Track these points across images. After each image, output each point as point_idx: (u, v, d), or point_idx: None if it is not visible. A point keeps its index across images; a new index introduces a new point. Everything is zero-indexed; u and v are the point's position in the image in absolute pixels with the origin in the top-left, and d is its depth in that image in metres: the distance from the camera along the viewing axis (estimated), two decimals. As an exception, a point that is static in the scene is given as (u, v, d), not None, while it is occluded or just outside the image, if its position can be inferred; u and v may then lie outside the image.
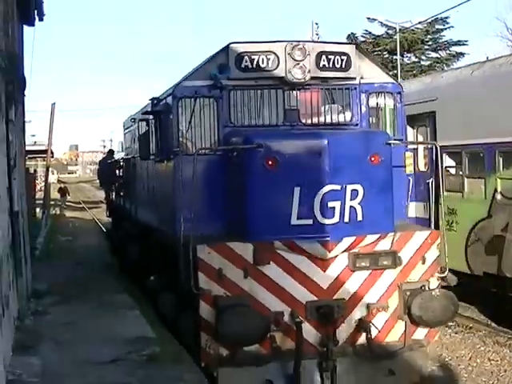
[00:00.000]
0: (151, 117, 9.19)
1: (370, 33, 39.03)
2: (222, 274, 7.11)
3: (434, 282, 7.67)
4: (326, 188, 7.03)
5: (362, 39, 38.60)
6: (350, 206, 7.15)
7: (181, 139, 7.87)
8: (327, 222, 7.08)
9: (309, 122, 8.17)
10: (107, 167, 16.31)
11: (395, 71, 33.57)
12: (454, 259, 9.43)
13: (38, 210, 27.82)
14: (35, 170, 37.97)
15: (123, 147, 15.77)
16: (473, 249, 10.83)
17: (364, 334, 7.39)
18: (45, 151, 29.03)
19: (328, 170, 7.01)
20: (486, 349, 9.67)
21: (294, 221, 7.07)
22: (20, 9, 11.52)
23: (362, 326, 7.41)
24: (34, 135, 52.25)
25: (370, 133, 7.93)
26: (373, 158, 7.26)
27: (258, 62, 7.75)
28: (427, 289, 7.50)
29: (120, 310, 10.27)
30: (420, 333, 7.70)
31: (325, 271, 7.34)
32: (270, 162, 7.08)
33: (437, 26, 37.70)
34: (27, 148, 22.37)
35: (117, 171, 15.13)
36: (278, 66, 7.80)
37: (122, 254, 14.23)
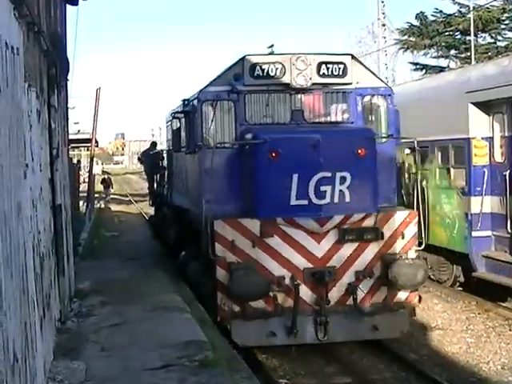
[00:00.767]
0: (182, 115, 12.79)
1: (440, 11, 38.33)
2: (234, 244, 10.48)
3: (411, 254, 10.86)
4: (319, 175, 10.29)
5: (432, 18, 38.23)
6: (339, 190, 10.38)
7: (204, 135, 11.35)
8: (320, 202, 10.35)
9: (312, 120, 11.49)
10: (150, 158, 20.08)
11: (468, 53, 35.18)
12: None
13: (81, 203, 30.21)
14: (79, 161, 39.40)
15: (166, 139, 19.47)
16: None
17: (352, 296, 10.61)
18: (89, 140, 31.78)
19: (321, 160, 10.26)
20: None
21: (293, 201, 10.36)
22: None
23: (351, 289, 10.67)
24: (77, 123, 55.46)
25: (357, 130, 11.21)
26: (359, 151, 10.46)
27: (267, 71, 11.13)
28: (403, 258, 10.65)
29: (170, 311, 11.09)
30: (401, 296, 10.90)
31: (319, 243, 10.66)
32: (274, 154, 10.39)
33: (515, 3, 37.82)
34: (70, 137, 24.07)
35: (160, 162, 18.77)
36: (284, 74, 11.15)
37: (162, 236, 17.80)
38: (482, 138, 14.19)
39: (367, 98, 11.63)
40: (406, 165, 16.79)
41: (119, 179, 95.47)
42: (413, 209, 11.55)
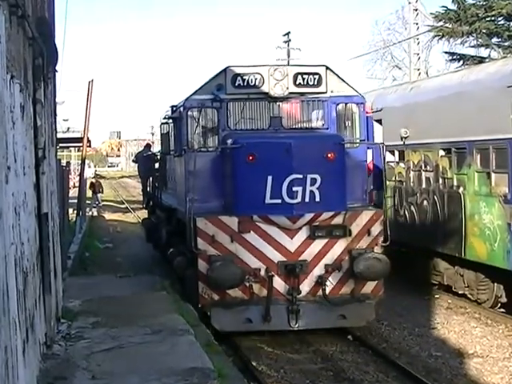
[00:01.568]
0: (171, 120, 16.99)
1: (481, -7, 39.47)
2: (215, 239, 14.49)
3: (377, 250, 14.81)
4: (291, 176, 14.24)
5: (471, 1, 39.35)
6: (310, 191, 14.35)
7: (189, 139, 15.43)
8: (292, 201, 14.32)
9: (289, 126, 15.56)
10: (143, 161, 24.46)
11: (512, 41, 36.87)
12: None
13: (71, 211, 31.86)
14: (68, 163, 40.48)
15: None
16: None
17: (322, 287, 14.58)
18: (80, 139, 34.22)
19: (293, 163, 14.24)
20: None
21: (268, 200, 14.35)
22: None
23: (321, 281, 14.64)
24: (66, 120, 59.87)
25: (327, 135, 15.29)
26: (329, 155, 14.43)
27: (248, 81, 15.22)
28: (367, 253, 14.64)
29: (172, 334, 12.01)
30: (367, 288, 14.85)
31: (292, 238, 14.66)
32: (250, 157, 14.39)
33: None
34: (59, 135, 27.10)
35: (154, 164, 23.02)
36: (263, 84, 15.22)
37: (154, 239, 22.18)
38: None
39: (341, 106, 15.74)
40: (440, 168, 18.75)
41: (114, 184, 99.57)
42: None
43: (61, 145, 37.39)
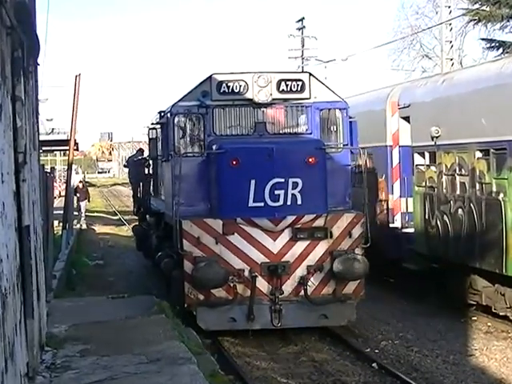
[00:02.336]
0: (158, 126, 21.43)
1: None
2: (200, 241, 18.73)
3: (358, 251, 19.05)
4: (274, 180, 18.46)
5: None
6: (292, 194, 18.57)
7: (176, 145, 19.74)
8: (274, 204, 18.54)
9: (273, 132, 19.89)
10: (134, 165, 28.97)
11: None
12: None
13: (56, 223, 33.56)
14: (53, 169, 41.66)
15: None
16: None
17: (304, 288, 18.80)
18: (66, 141, 35.50)
19: (274, 167, 18.47)
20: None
21: (251, 203, 18.59)
22: None
23: (303, 281, 18.88)
24: (51, 119, 62.49)
25: (308, 140, 19.62)
26: (310, 159, 18.66)
27: (232, 87, 19.52)
28: (346, 254, 18.87)
29: (172, 363, 12.55)
30: (349, 288, 19.07)
31: (274, 240, 18.92)
32: (234, 162, 18.64)
33: None
34: (42, 137, 28.41)
35: (144, 169, 27.40)
36: (247, 90, 19.53)
37: (145, 246, 26.72)
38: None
39: (324, 112, 20.01)
40: (477, 172, 19.76)
41: (106, 192, 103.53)
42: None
43: (44, 148, 39.94)
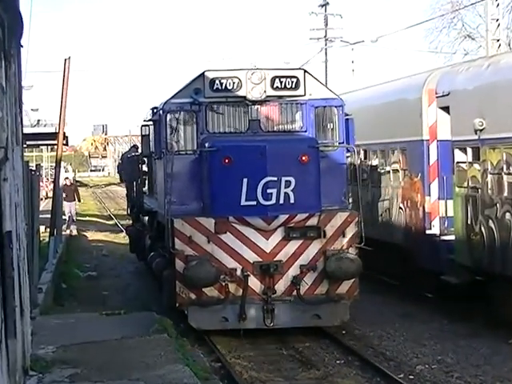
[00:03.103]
0: (151, 122, 25.89)
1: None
2: (192, 240, 23.18)
3: (352, 250, 23.43)
4: (266, 179, 22.87)
5: None
6: (285, 193, 22.98)
7: (169, 142, 24.19)
8: (267, 203, 22.96)
9: (267, 129, 24.32)
10: (128, 162, 33.44)
11: None
12: None
13: (42, 228, 35.64)
14: (39, 166, 40.63)
15: None
16: None
17: (296, 287, 23.18)
18: (54, 135, 37.37)
19: (267, 166, 22.87)
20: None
21: (243, 202, 23.02)
22: None
23: (295, 281, 23.28)
24: (36, 110, 64.13)
25: (301, 138, 24.10)
26: (303, 158, 23.04)
27: (225, 84, 23.96)
28: (339, 253, 23.25)
29: None
30: (342, 288, 23.44)
31: (267, 239, 23.39)
32: (226, 160, 23.08)
33: None
34: (26, 130, 31.36)
35: (139, 167, 31.76)
36: (241, 87, 23.97)
37: (139, 247, 31.35)
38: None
39: (320, 109, 24.32)
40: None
41: (100, 194, 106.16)
42: None
43: (29, 143, 43.60)
